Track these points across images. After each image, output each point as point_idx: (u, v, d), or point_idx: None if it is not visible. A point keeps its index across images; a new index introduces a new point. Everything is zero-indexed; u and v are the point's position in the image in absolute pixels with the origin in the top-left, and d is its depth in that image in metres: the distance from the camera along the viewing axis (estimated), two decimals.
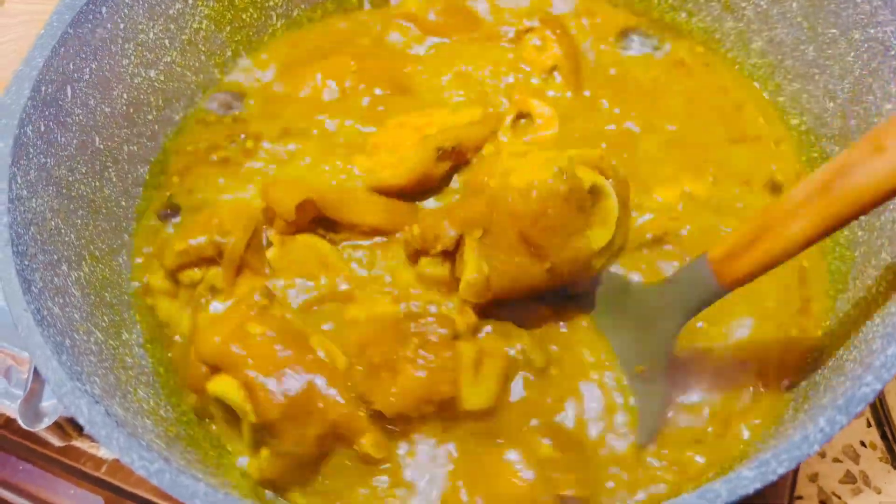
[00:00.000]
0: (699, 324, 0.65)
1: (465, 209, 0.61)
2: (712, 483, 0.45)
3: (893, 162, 0.45)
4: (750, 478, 0.45)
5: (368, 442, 0.59)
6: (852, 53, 0.68)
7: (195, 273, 0.67)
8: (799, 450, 0.46)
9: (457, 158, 0.70)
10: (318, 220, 0.68)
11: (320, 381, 0.59)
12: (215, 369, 0.60)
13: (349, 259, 0.68)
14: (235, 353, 0.59)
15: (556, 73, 0.79)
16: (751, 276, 0.54)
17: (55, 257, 0.62)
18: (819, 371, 0.59)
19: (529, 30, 0.81)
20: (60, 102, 0.66)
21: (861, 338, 0.55)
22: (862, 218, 0.64)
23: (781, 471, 0.45)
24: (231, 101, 0.81)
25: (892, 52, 0.63)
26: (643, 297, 0.62)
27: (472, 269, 0.60)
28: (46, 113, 0.65)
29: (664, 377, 0.61)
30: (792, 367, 0.64)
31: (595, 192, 0.61)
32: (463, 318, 0.61)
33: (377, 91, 0.78)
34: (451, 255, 0.63)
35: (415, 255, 0.65)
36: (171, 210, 0.74)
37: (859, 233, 0.65)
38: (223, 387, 0.59)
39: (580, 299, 0.66)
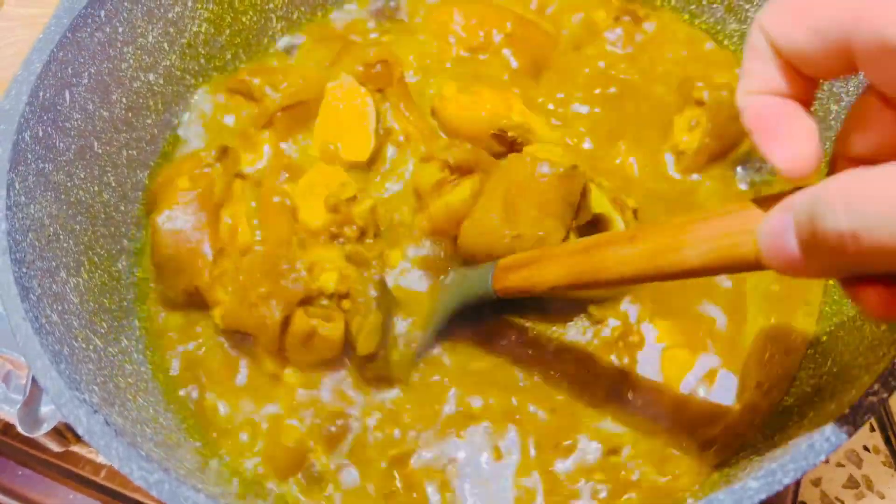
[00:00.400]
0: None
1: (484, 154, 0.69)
2: (717, 494, 0.44)
3: (634, 252, 0.48)
4: (755, 488, 0.45)
5: (216, 314, 0.66)
6: None
7: None
8: (805, 460, 0.45)
9: (510, 147, 0.73)
10: None
11: (206, 245, 0.68)
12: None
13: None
14: (163, 195, 0.70)
15: None
16: (514, 292, 0.60)
17: (53, 264, 0.62)
18: (823, 377, 0.59)
19: None
20: (59, 107, 0.66)
21: (867, 344, 0.55)
22: None
23: (787, 481, 0.45)
24: None
25: None
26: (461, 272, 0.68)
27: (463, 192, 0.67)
28: (45, 118, 0.64)
29: (431, 336, 0.67)
30: (794, 373, 0.64)
31: (600, 220, 0.67)
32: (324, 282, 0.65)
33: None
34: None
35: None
36: None
37: None
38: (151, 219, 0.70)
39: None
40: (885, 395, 0.46)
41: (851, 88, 0.69)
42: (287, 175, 0.72)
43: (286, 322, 0.63)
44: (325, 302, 0.65)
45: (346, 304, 0.65)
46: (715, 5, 0.81)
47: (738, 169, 0.74)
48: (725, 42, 0.81)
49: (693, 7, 0.82)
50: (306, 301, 0.64)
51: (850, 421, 0.46)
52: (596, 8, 0.84)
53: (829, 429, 0.46)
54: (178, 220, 0.68)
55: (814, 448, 0.45)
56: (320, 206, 0.69)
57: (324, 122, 0.75)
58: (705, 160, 0.73)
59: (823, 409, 0.52)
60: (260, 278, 0.64)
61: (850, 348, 0.57)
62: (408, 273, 0.69)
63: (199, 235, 0.68)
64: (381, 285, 0.65)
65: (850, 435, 0.45)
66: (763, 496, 0.45)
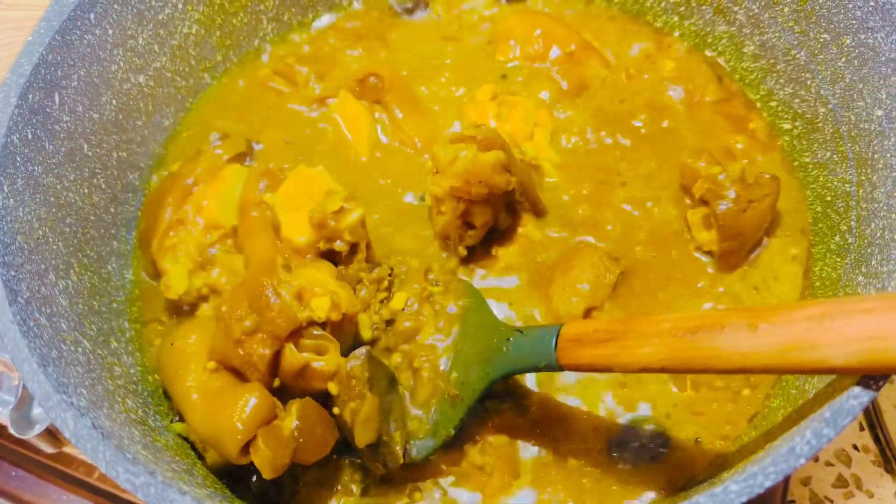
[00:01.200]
0: None
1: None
2: (697, 498, 0.45)
3: (758, 344, 0.45)
4: (736, 491, 0.45)
5: (162, 283, 0.67)
6: (843, 59, 0.68)
7: None
8: (786, 463, 0.45)
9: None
10: None
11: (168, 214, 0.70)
12: None
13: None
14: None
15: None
16: (586, 369, 0.56)
17: (42, 266, 0.62)
18: (808, 380, 0.59)
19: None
20: (48, 110, 0.66)
21: None
22: (852, 224, 0.64)
23: (768, 484, 0.45)
24: None
25: (883, 58, 0.62)
26: (494, 330, 0.62)
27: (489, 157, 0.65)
28: (34, 120, 0.64)
29: (465, 412, 0.61)
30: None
31: None
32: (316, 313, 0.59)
33: None
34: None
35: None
36: None
37: (850, 239, 0.65)
38: None
39: None
40: (865, 398, 0.46)
41: (838, 91, 0.69)
42: (266, 182, 0.67)
43: (276, 357, 0.58)
44: (317, 332, 0.59)
45: (332, 386, 0.59)
46: (704, 7, 0.81)
47: None
48: (714, 45, 0.81)
49: (682, 9, 0.82)
50: (296, 333, 0.58)
51: (831, 424, 0.46)
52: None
53: (810, 432, 0.46)
54: (162, 192, 0.71)
55: (794, 451, 0.46)
56: (304, 219, 0.64)
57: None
58: (738, 259, 0.70)
59: (806, 411, 0.52)
60: (244, 310, 0.58)
61: None
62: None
63: (169, 206, 0.70)
64: (371, 360, 0.59)
65: (830, 438, 0.46)
66: (744, 499, 0.45)
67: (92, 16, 0.70)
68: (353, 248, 0.65)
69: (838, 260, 0.66)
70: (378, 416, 0.58)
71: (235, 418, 0.56)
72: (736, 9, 0.78)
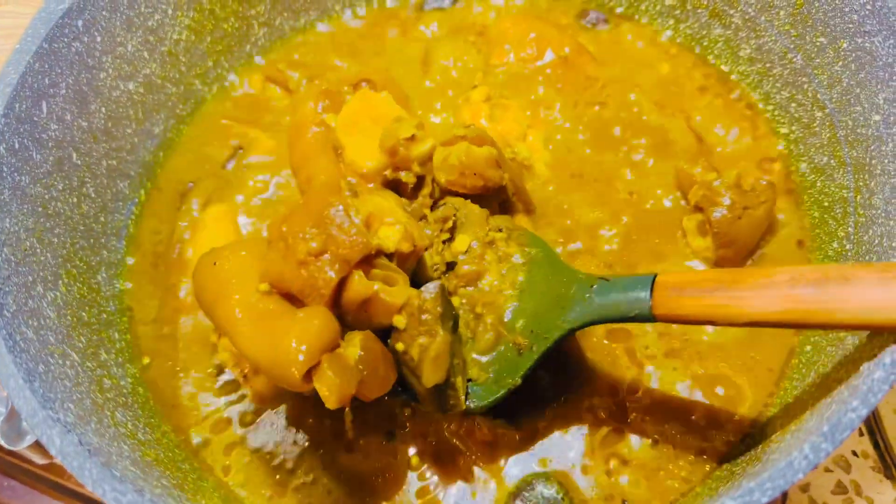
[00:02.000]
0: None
1: None
2: None
3: (891, 298, 0.44)
4: None
5: None
6: (840, 63, 0.67)
7: None
8: (783, 478, 0.45)
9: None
10: None
11: None
12: None
13: None
14: None
15: None
16: (685, 320, 0.53)
17: (30, 278, 0.61)
18: (806, 390, 0.58)
19: None
20: (35, 119, 0.65)
21: (849, 357, 0.54)
22: (850, 231, 0.63)
23: (765, 500, 0.44)
24: None
25: (880, 63, 0.62)
26: (569, 279, 0.59)
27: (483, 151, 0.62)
28: (21, 130, 0.64)
29: (534, 361, 0.58)
30: (778, 381, 0.63)
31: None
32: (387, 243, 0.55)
33: None
34: None
35: None
36: None
37: (847, 246, 0.65)
38: None
39: None
40: (864, 412, 0.45)
41: (836, 96, 0.68)
42: (326, 103, 0.61)
43: (340, 284, 0.53)
44: (385, 263, 0.55)
45: (399, 319, 0.55)
46: (700, 10, 0.80)
47: None
48: (710, 49, 0.81)
49: (677, 13, 0.82)
50: (365, 261, 0.53)
51: (830, 439, 0.45)
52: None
53: (808, 446, 0.45)
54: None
55: (792, 466, 0.45)
56: (370, 144, 0.59)
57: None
58: (734, 266, 0.68)
59: (804, 424, 0.52)
60: (309, 229, 0.52)
61: (833, 361, 0.57)
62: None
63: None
64: (443, 295, 0.55)
65: (828, 453, 0.45)
66: None
67: (80, 23, 0.69)
68: (420, 181, 0.61)
69: None
70: (448, 356, 0.54)
71: (299, 341, 0.50)
72: (732, 12, 0.77)
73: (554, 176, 0.75)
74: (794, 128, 0.74)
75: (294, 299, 0.54)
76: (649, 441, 0.63)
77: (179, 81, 0.80)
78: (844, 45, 0.66)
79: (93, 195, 0.71)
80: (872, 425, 0.80)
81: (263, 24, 0.84)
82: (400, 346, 0.55)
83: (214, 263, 0.56)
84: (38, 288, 0.61)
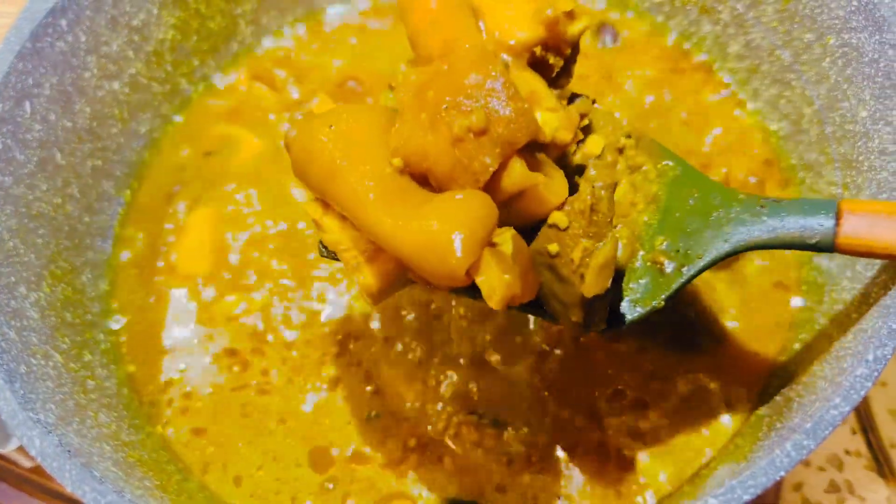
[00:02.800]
0: None
1: None
2: None
3: None
4: None
5: None
6: (827, 59, 0.66)
7: None
8: (765, 476, 0.44)
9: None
10: None
11: None
12: None
13: None
14: None
15: None
16: (872, 253, 0.48)
17: (13, 279, 0.61)
18: (793, 387, 0.58)
19: None
20: (18, 119, 0.65)
21: (834, 354, 0.54)
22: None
23: (747, 497, 0.44)
24: None
25: (867, 59, 0.61)
26: (725, 198, 0.53)
27: None
28: (3, 130, 0.63)
29: (681, 282, 0.53)
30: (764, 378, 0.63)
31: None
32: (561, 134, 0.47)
33: None
34: None
35: None
36: None
37: None
38: None
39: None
40: (847, 409, 0.45)
41: (823, 92, 0.68)
42: None
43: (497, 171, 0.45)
44: (542, 157, 0.47)
45: (560, 217, 0.47)
46: (689, 7, 0.80)
47: None
48: (699, 45, 0.80)
49: (667, 9, 0.81)
50: (528, 147, 0.45)
51: (812, 436, 0.45)
52: None
53: (790, 444, 0.45)
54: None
55: (774, 463, 0.45)
56: (516, 11, 0.48)
57: None
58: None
59: (789, 421, 0.52)
60: (465, 101, 0.44)
61: (819, 358, 0.57)
62: None
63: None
64: (612, 193, 0.48)
65: (810, 450, 0.45)
66: None
67: (64, 22, 0.69)
68: (565, 67, 0.52)
69: (824, 263, 0.65)
70: (613, 266, 0.47)
71: (461, 227, 0.42)
72: (720, 8, 0.77)
73: None
74: (782, 124, 0.74)
75: (426, 183, 0.46)
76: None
77: (165, 81, 0.79)
78: (831, 42, 0.66)
79: (77, 196, 0.71)
80: (865, 424, 0.80)
81: (250, 22, 0.83)
82: (554, 248, 0.48)
83: (331, 126, 0.46)
84: (21, 288, 0.61)
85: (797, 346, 0.64)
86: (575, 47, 0.51)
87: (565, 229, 0.47)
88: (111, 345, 0.69)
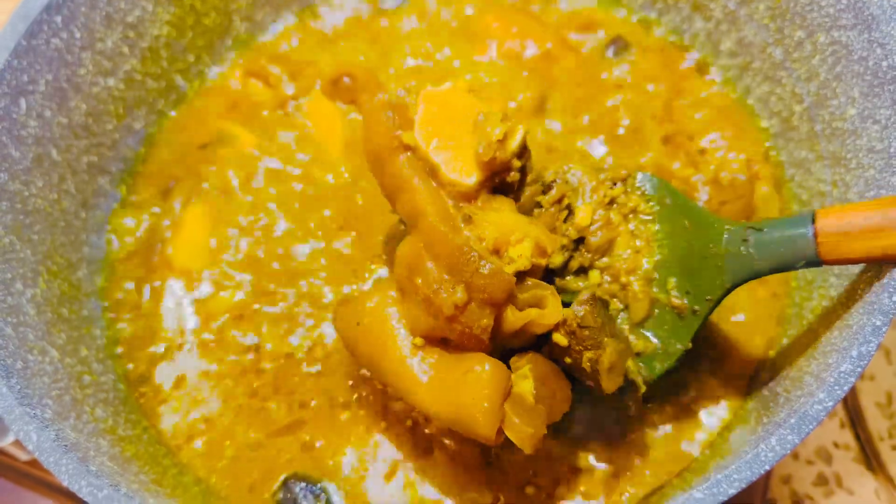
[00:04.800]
0: None
1: None
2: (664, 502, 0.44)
3: None
4: (700, 499, 0.45)
5: None
6: (818, 56, 0.67)
7: None
8: (750, 470, 0.45)
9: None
10: None
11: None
12: None
13: None
14: None
15: None
16: (857, 261, 0.51)
17: (9, 275, 0.61)
18: (780, 382, 0.59)
19: None
20: (14, 115, 0.65)
21: (820, 350, 0.55)
22: None
23: (732, 491, 0.45)
24: None
25: (855, 56, 0.62)
26: (714, 229, 0.56)
27: None
28: None
29: (700, 323, 0.57)
30: (752, 373, 0.64)
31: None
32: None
33: None
34: None
35: None
36: None
37: None
38: None
39: None
40: (830, 404, 0.46)
41: (813, 89, 0.68)
42: (395, 117, 0.54)
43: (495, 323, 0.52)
44: (529, 282, 0.53)
45: (560, 338, 0.53)
46: (681, 4, 0.80)
47: None
48: (691, 42, 0.81)
49: (659, 5, 0.82)
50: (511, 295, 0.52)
51: (796, 431, 0.46)
52: None
53: (775, 438, 0.46)
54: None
55: (759, 458, 0.45)
56: (463, 154, 0.54)
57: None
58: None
59: (776, 416, 0.52)
60: (445, 280, 0.51)
61: (806, 354, 0.57)
62: None
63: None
64: (595, 302, 0.53)
65: (794, 444, 0.45)
66: None
67: (59, 19, 0.69)
68: (523, 172, 0.56)
69: None
70: (624, 360, 0.54)
71: (481, 399, 0.50)
72: (713, 5, 0.77)
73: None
74: (773, 122, 0.74)
75: (449, 342, 0.54)
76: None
77: (160, 77, 0.80)
78: (821, 39, 0.66)
79: (73, 192, 0.71)
80: (853, 417, 0.80)
81: (244, 18, 0.84)
82: (568, 361, 0.54)
83: (358, 324, 0.56)
84: (17, 285, 0.62)
85: (785, 341, 0.64)
86: (523, 152, 0.56)
87: (567, 347, 0.53)
88: (107, 340, 0.69)
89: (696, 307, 0.56)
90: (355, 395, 0.66)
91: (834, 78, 0.65)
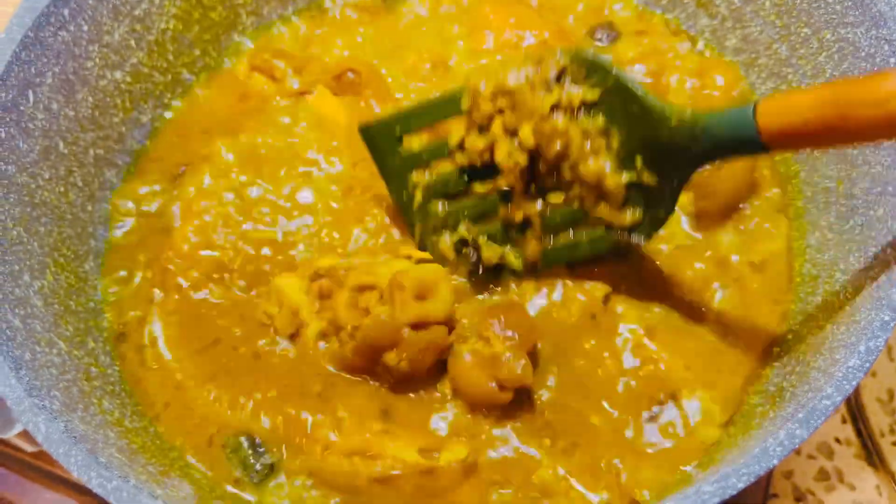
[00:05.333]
0: None
1: None
2: (670, 498, 0.45)
3: None
4: (709, 492, 0.45)
5: None
6: (824, 53, 0.67)
7: None
8: (758, 464, 0.45)
9: None
10: None
11: None
12: None
13: None
14: None
15: None
16: (798, 146, 0.53)
17: (17, 267, 0.61)
18: (786, 378, 0.59)
19: None
20: (22, 108, 0.65)
21: (827, 345, 0.55)
22: (831, 220, 0.64)
23: (741, 485, 0.45)
24: None
25: (863, 53, 0.62)
26: (661, 116, 0.57)
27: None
28: (7, 119, 0.64)
29: (669, 199, 0.59)
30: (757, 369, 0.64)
31: None
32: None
33: None
34: None
35: None
36: None
37: (829, 235, 0.65)
38: None
39: None
40: (839, 398, 0.46)
41: (809, 69, 0.68)
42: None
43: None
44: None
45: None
46: (686, 1, 0.80)
47: None
48: (696, 39, 0.81)
49: (665, 2, 0.82)
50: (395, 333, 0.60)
51: (805, 425, 0.46)
52: None
53: (783, 433, 0.46)
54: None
55: (767, 452, 0.46)
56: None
57: None
58: (714, 220, 0.70)
59: (783, 411, 0.53)
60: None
61: (813, 349, 0.58)
62: None
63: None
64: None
65: (803, 439, 0.46)
66: (717, 500, 0.45)
67: (66, 11, 0.69)
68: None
69: (818, 256, 0.66)
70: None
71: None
72: (718, 2, 0.78)
73: None
74: None
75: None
76: None
77: (167, 70, 0.80)
78: (828, 36, 0.66)
79: (80, 184, 0.72)
80: (855, 413, 0.81)
81: (251, 13, 0.84)
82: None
83: None
84: (24, 277, 0.62)
85: (790, 337, 0.65)
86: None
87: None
88: (114, 332, 0.69)
89: (666, 184, 0.58)
90: None
91: (840, 74, 0.65)
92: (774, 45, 0.73)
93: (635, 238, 0.62)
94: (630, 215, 0.61)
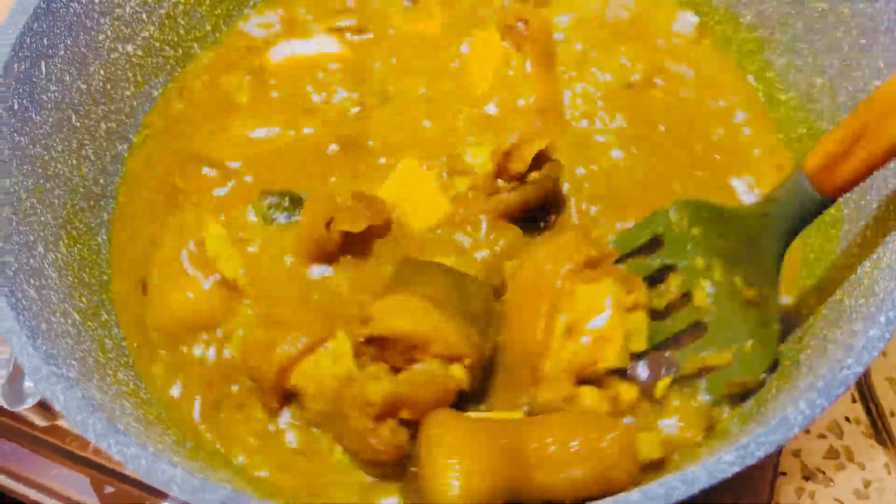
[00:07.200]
0: None
1: None
2: (691, 466, 0.45)
3: None
4: (730, 461, 0.45)
5: None
6: (841, 28, 0.67)
7: None
8: (778, 433, 0.45)
9: None
10: None
11: None
12: None
13: None
14: None
15: None
16: (854, 182, 0.54)
17: (31, 238, 0.61)
18: (802, 351, 0.59)
19: None
20: (34, 79, 0.65)
21: (845, 318, 0.55)
22: (847, 195, 0.64)
23: (761, 454, 0.45)
24: None
25: (883, 27, 0.62)
26: (742, 220, 0.61)
27: None
28: (20, 90, 0.63)
29: (775, 298, 0.61)
30: None
31: None
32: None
33: None
34: None
35: None
36: None
37: (844, 210, 0.65)
38: None
39: None
40: (859, 369, 0.46)
41: (836, 62, 0.68)
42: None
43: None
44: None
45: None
46: None
47: None
48: (711, 15, 0.80)
49: None
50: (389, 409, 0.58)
51: (825, 394, 0.46)
52: None
53: (804, 402, 0.46)
54: None
55: (787, 421, 0.46)
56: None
57: None
58: None
59: (800, 383, 0.53)
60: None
61: (829, 322, 0.58)
62: None
63: None
64: None
65: (822, 408, 0.46)
66: (737, 468, 0.45)
67: None
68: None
69: (832, 231, 0.66)
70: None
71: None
72: None
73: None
74: (792, 94, 0.74)
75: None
76: None
77: (178, 45, 0.79)
78: (846, 11, 0.66)
79: (92, 157, 0.71)
80: (865, 392, 0.81)
81: None
82: None
83: None
84: (39, 248, 0.62)
85: (804, 311, 0.65)
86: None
87: None
88: (126, 305, 0.69)
89: (765, 292, 0.60)
90: None
91: (859, 50, 0.65)
92: (790, 20, 0.73)
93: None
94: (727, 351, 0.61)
